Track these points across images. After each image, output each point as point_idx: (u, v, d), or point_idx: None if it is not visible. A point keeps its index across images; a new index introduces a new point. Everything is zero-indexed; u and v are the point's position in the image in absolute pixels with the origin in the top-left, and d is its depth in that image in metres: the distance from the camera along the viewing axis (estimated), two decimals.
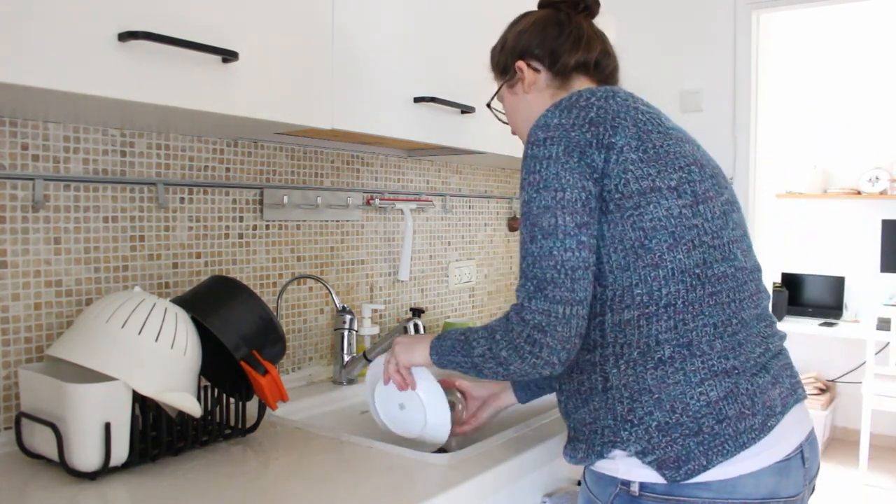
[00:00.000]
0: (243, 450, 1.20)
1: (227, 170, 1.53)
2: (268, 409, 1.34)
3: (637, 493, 1.00)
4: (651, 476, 0.99)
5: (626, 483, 1.01)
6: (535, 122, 1.05)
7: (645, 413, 0.98)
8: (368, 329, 1.75)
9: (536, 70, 1.18)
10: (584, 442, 1.05)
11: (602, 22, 2.15)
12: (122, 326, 1.08)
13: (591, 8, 1.22)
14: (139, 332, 1.08)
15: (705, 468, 0.96)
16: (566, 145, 0.99)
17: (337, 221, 1.77)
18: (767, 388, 1.01)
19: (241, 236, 1.55)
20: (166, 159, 1.42)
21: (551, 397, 1.62)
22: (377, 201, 1.86)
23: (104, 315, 1.09)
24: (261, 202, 1.59)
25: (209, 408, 1.22)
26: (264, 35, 1.17)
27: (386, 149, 1.88)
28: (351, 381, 1.65)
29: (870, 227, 4.58)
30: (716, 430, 0.96)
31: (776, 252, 4.76)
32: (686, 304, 0.99)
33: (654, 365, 0.99)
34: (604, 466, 1.03)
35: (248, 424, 1.27)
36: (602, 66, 1.19)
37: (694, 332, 0.99)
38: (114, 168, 1.33)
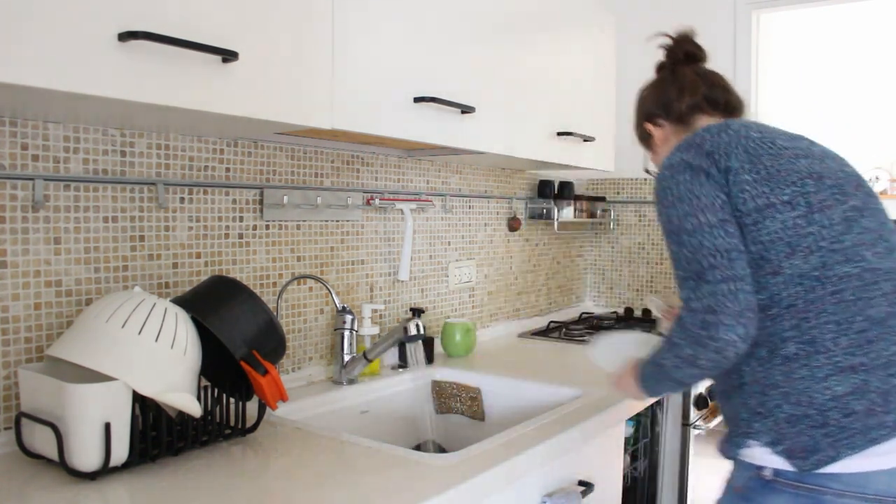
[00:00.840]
0: (243, 450, 1.20)
1: (227, 170, 1.53)
2: (268, 409, 1.34)
3: (770, 478, 1.07)
4: (783, 464, 1.04)
5: (761, 468, 1.09)
6: (661, 164, 1.16)
7: (774, 406, 1.06)
8: (368, 329, 1.75)
9: (661, 126, 1.35)
10: (729, 435, 1.15)
11: (602, 24, 2.15)
12: (122, 326, 1.08)
13: (693, 54, 1.37)
14: (139, 332, 1.08)
15: (833, 460, 1.00)
16: (692, 172, 1.12)
17: (337, 221, 1.77)
18: None
19: (241, 236, 1.55)
20: (166, 159, 1.41)
21: (544, 402, 1.61)
22: (377, 201, 1.86)
23: (104, 315, 1.09)
24: (261, 202, 1.59)
25: (209, 408, 1.22)
26: (264, 35, 1.17)
27: (386, 149, 1.88)
28: (351, 381, 1.65)
29: None
30: (842, 424, 1.01)
31: None
32: (807, 303, 1.05)
33: (780, 361, 1.06)
34: (743, 454, 1.11)
35: (248, 424, 1.27)
36: (713, 99, 1.30)
37: (816, 330, 1.04)
38: (114, 168, 1.33)
